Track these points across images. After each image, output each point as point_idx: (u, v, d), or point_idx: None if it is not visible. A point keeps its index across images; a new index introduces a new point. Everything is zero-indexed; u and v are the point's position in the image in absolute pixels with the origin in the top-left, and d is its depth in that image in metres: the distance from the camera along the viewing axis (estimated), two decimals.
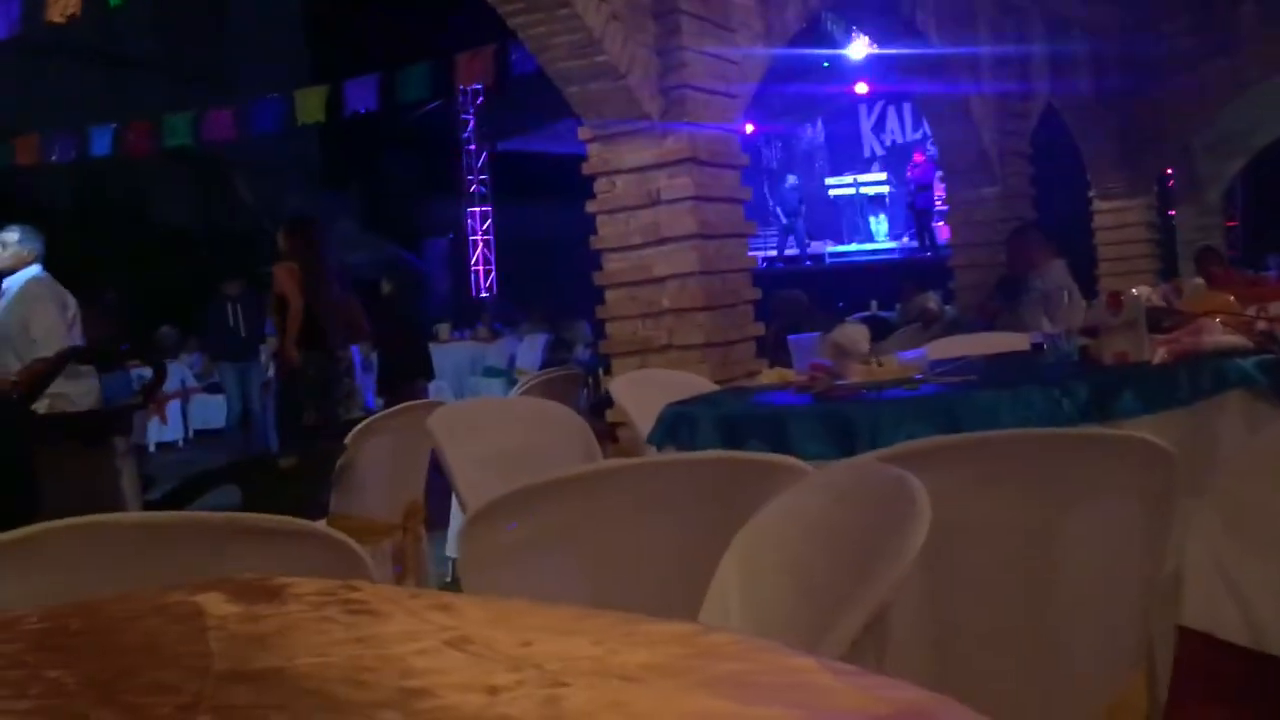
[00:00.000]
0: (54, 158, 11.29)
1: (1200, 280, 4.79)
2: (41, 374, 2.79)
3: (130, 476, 2.81)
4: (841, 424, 2.19)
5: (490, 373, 11.84)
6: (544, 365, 10.35)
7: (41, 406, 2.86)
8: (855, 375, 2.52)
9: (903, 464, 1.26)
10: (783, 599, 1.31)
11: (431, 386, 10.02)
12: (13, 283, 4.09)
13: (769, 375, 3.01)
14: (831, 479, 1.38)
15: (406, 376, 8.14)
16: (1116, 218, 10.41)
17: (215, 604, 0.95)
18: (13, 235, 4.13)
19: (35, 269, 4.12)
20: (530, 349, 12.62)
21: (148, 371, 5.54)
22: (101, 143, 11.19)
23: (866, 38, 8.43)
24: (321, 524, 1.44)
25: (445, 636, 0.87)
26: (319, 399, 5.37)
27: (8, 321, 3.89)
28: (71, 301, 4.19)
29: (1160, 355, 2.32)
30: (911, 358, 2.71)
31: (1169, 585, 1.49)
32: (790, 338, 3.11)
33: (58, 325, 3.85)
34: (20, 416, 2.20)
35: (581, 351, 12.32)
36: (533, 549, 1.61)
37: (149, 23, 16.50)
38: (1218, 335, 2.42)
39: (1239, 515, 1.18)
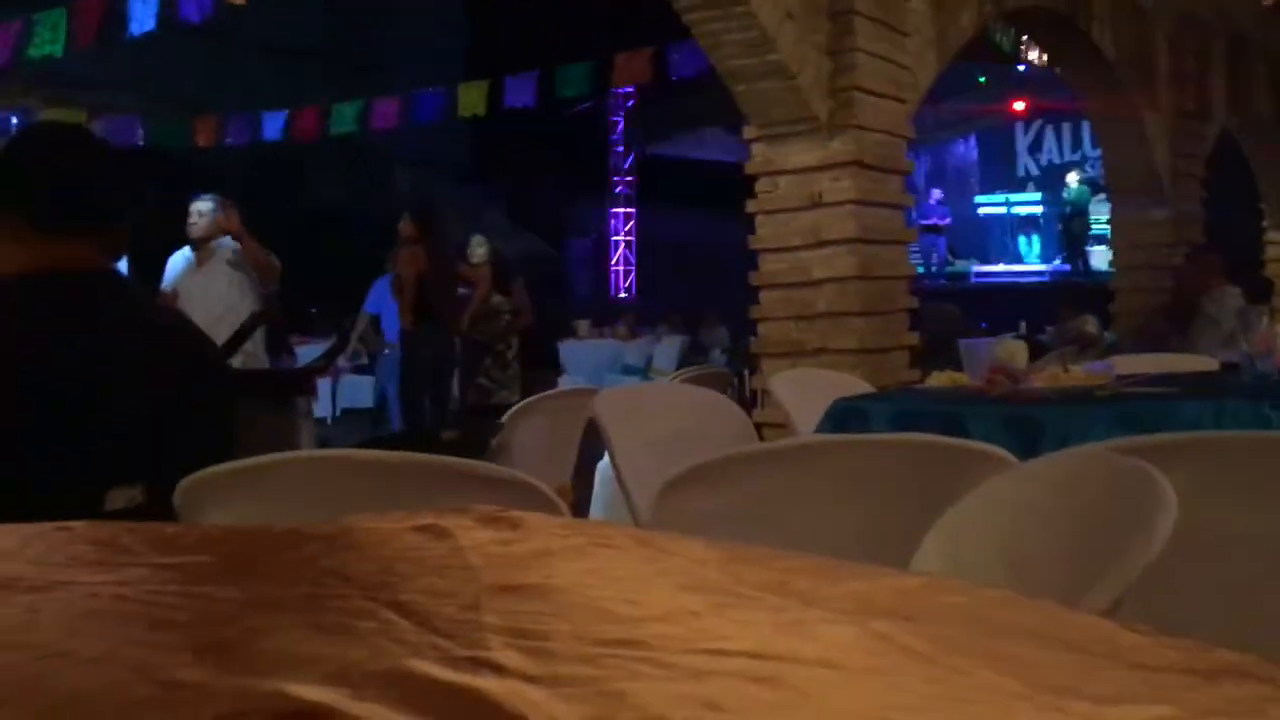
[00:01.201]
0: (229, 140, 11.82)
1: None
2: (239, 332, 2.92)
3: (309, 435, 2.92)
4: (1026, 425, 2.13)
5: (628, 371, 11.92)
6: (679, 367, 10.38)
7: (235, 362, 3.00)
8: (1038, 381, 2.45)
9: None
10: (994, 584, 1.28)
11: (567, 381, 10.15)
12: (213, 249, 4.30)
13: (940, 378, 2.95)
14: (1049, 468, 1.34)
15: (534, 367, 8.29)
16: None
17: (465, 529, 0.98)
18: (208, 204, 4.34)
19: (227, 238, 4.32)
20: (667, 350, 12.68)
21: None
22: (273, 127, 11.66)
23: (1038, 49, 8.20)
24: (528, 477, 1.47)
25: (695, 570, 0.88)
26: (433, 380, 5.53)
27: (206, 285, 4.09)
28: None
29: None
30: (1099, 368, 2.62)
31: None
32: (962, 341, 3.05)
33: (250, 291, 4.05)
34: (225, 370, 2.31)
35: (717, 356, 12.32)
36: (723, 521, 1.61)
37: (318, 14, 17.17)
38: None
39: None
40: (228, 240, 4.25)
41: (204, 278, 4.16)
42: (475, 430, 3.97)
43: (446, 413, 5.23)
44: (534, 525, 1.01)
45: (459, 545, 0.92)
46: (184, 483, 1.38)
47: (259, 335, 3.96)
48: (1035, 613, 0.76)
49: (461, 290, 6.02)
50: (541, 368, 8.74)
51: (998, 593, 0.80)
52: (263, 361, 3.97)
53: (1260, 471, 1.34)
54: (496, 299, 6.23)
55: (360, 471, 1.36)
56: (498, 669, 0.61)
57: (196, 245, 4.39)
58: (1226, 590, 1.34)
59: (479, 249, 6.41)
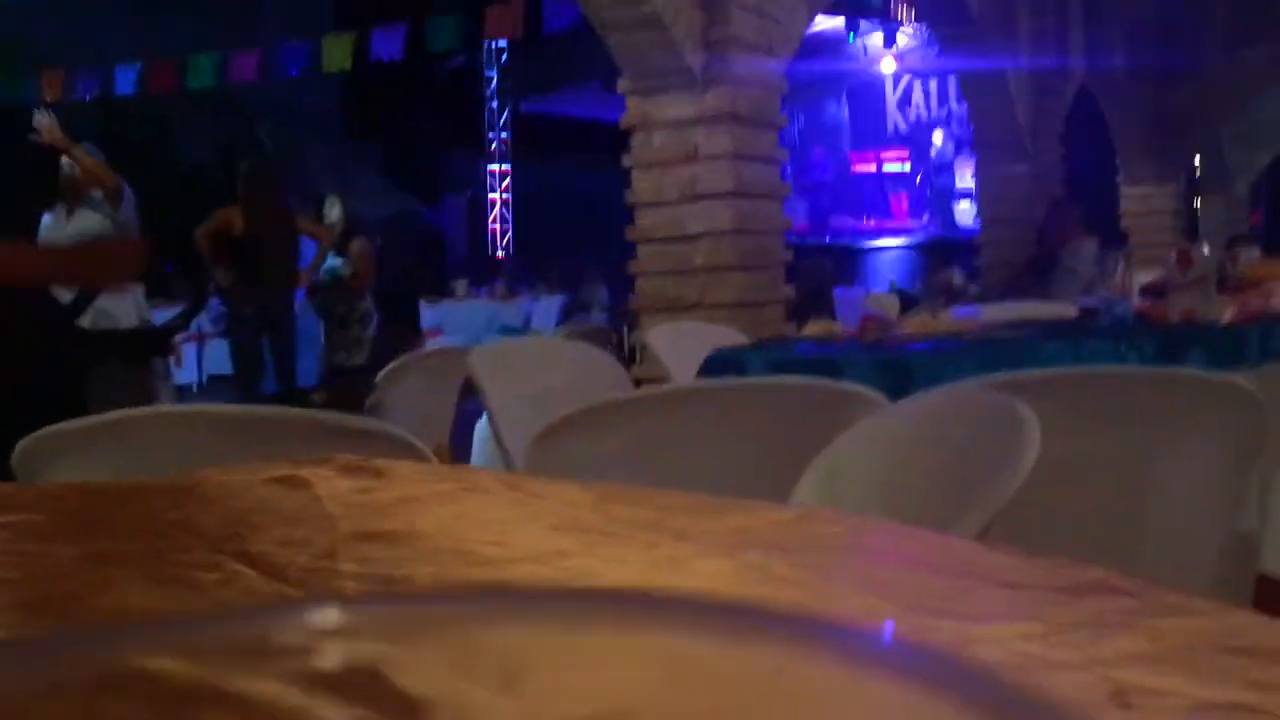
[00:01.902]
0: (79, 94, 11.23)
1: (1257, 250, 4.78)
2: (83, 291, 2.77)
3: (169, 397, 2.79)
4: (898, 368, 2.16)
5: (506, 331, 11.81)
6: (559, 325, 10.32)
7: (85, 322, 2.84)
8: (910, 327, 2.49)
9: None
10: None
11: (444, 341, 9.99)
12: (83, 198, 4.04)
13: (814, 328, 2.98)
14: (921, 406, 1.35)
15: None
16: (1143, 204, 10.34)
17: (324, 479, 0.93)
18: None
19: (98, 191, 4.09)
20: (546, 310, 12.60)
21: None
22: (126, 81, 11.12)
23: (906, 4, 8.34)
24: (395, 428, 1.42)
25: (566, 512, 0.86)
26: (256, 340, 5.36)
27: (75, 237, 3.84)
28: None
29: (1229, 315, 2.29)
30: (966, 314, 2.68)
31: (1249, 534, 1.47)
32: (836, 290, 3.08)
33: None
34: (71, 330, 2.18)
35: (598, 315, 12.29)
36: (599, 470, 1.59)
37: None
38: None
39: None
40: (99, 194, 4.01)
41: (73, 230, 3.92)
42: (348, 390, 3.87)
43: (290, 373, 5.04)
44: (399, 473, 0.98)
45: (317, 495, 0.87)
46: (23, 443, 1.30)
47: (139, 288, 3.75)
48: (908, 538, 0.76)
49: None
50: (403, 329, 8.53)
51: (872, 521, 0.80)
52: (136, 317, 3.73)
53: (1117, 403, 1.38)
54: (333, 261, 6.02)
55: (218, 427, 1.29)
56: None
57: (66, 198, 4.13)
58: (1089, 516, 1.38)
59: (331, 209, 6.23)
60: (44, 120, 4.01)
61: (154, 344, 3.00)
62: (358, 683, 0.27)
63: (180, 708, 0.25)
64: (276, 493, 0.89)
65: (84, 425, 1.36)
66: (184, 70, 10.95)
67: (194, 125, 15.61)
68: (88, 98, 11.35)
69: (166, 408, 1.28)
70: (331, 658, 0.23)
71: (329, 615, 0.18)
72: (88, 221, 3.96)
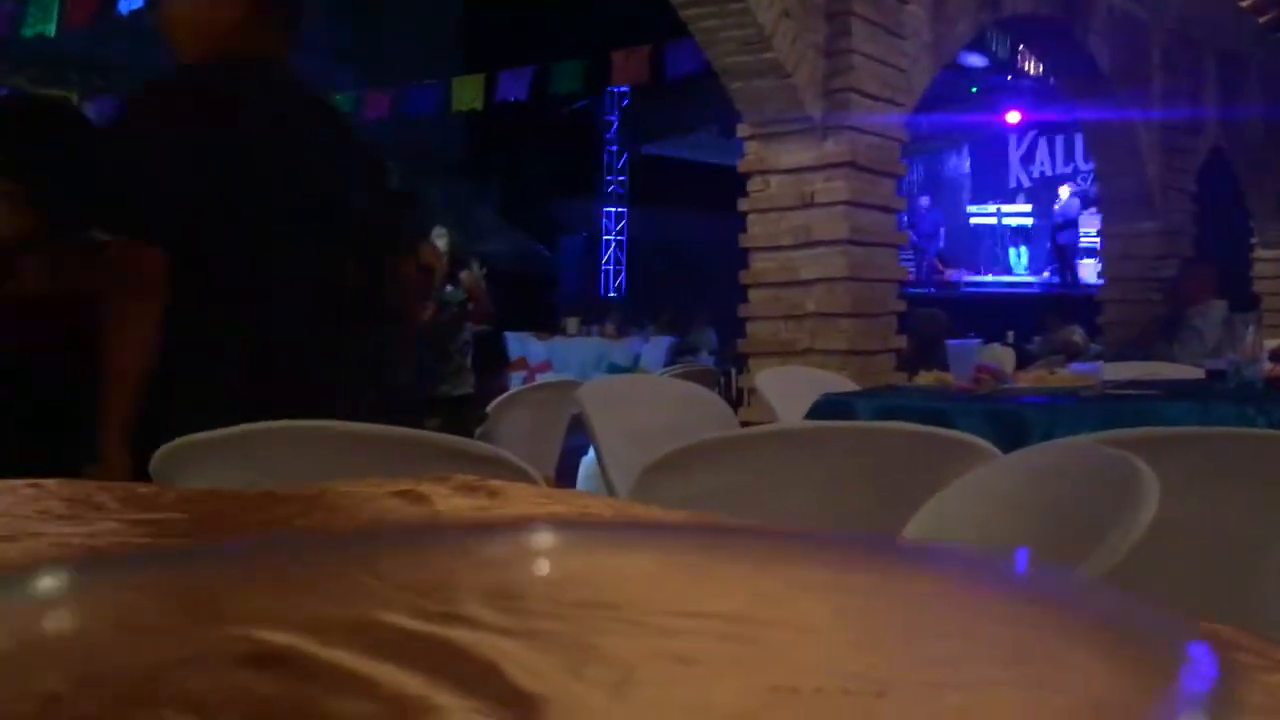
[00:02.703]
0: None
1: None
2: None
3: None
4: (1011, 421, 2.13)
5: (614, 370, 11.89)
6: (666, 367, 10.35)
7: None
8: (1025, 381, 2.45)
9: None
10: None
11: (553, 376, 10.11)
12: None
13: (926, 377, 2.94)
14: (1034, 459, 1.34)
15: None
16: (1278, 267, 9.95)
17: (442, 496, 0.97)
18: None
19: None
20: (655, 350, 12.66)
21: None
22: None
23: (1033, 58, 8.23)
24: (510, 455, 1.46)
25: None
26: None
27: None
28: None
29: None
30: (1086, 370, 2.63)
31: None
32: (950, 342, 3.04)
33: None
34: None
35: (706, 358, 12.31)
36: (704, 504, 1.60)
37: (312, 3, 17.10)
38: None
39: None
40: None
41: None
42: (459, 419, 3.96)
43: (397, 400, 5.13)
44: (512, 494, 1.01)
45: (436, 510, 0.91)
46: (161, 450, 1.37)
47: None
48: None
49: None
50: (491, 361, 8.66)
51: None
52: None
53: (1242, 467, 1.34)
54: (448, 290, 6.11)
55: (341, 444, 1.34)
56: (471, 623, 0.60)
57: None
58: (1206, 582, 1.34)
59: (439, 240, 6.33)
60: None
61: None
62: (476, 675, 0.30)
63: (309, 688, 0.28)
64: (398, 506, 0.92)
65: (216, 436, 1.43)
66: None
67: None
68: None
69: (295, 423, 1.34)
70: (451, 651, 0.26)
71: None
72: None
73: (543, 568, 0.38)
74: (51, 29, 7.82)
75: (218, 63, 1.65)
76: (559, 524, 0.37)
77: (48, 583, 0.31)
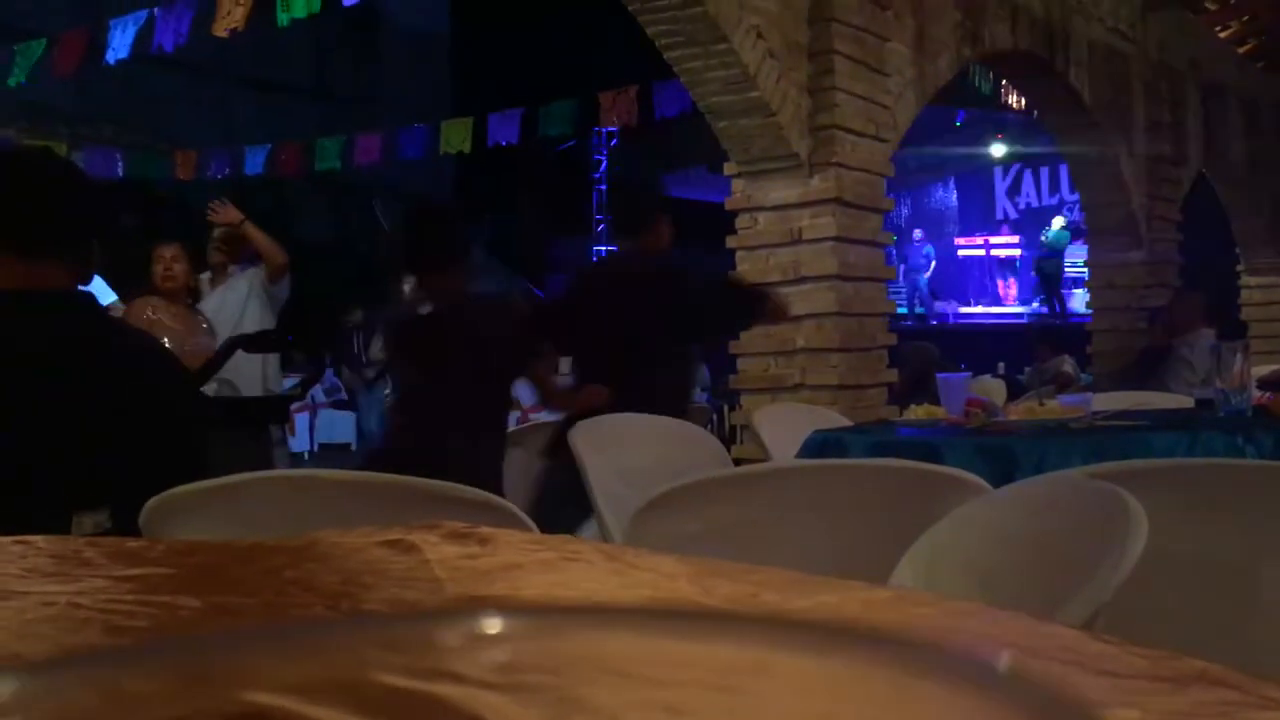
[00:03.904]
0: (210, 174, 11.82)
1: None
2: (211, 360, 2.91)
3: (284, 463, 2.87)
4: (1002, 455, 2.13)
5: None
6: None
7: (209, 390, 2.98)
8: (1015, 414, 2.46)
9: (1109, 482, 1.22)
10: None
11: (545, 416, 10.09)
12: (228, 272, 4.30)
13: (917, 411, 2.95)
14: (1024, 493, 1.34)
15: None
16: (1265, 294, 10.01)
17: (432, 544, 0.97)
18: (217, 232, 4.36)
19: (241, 265, 4.34)
20: None
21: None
22: (255, 162, 11.67)
23: (1016, 92, 8.32)
24: (505, 501, 1.46)
25: (664, 584, 0.87)
26: None
27: (219, 308, 4.07)
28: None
29: None
30: (1074, 402, 2.63)
31: None
32: (940, 376, 3.05)
33: (266, 314, 4.05)
34: (196, 394, 2.29)
35: (698, 394, 12.30)
36: (699, 543, 1.60)
37: (305, 51, 17.24)
38: None
39: None
40: (244, 268, 4.24)
41: (218, 299, 4.14)
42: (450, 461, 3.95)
43: None
44: (502, 540, 1.00)
45: (425, 559, 0.91)
46: (150, 503, 1.37)
47: (273, 358, 3.91)
48: (1004, 622, 0.76)
49: None
50: None
51: (967, 604, 0.80)
52: (260, 386, 3.89)
53: (1230, 498, 1.34)
54: None
55: (329, 491, 1.34)
56: (456, 677, 0.60)
57: (213, 270, 4.36)
58: (1195, 614, 1.34)
59: (407, 284, 6.24)
60: (219, 203, 4.31)
61: (272, 412, 3.13)
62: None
63: None
64: (387, 555, 0.92)
65: (204, 487, 1.43)
66: (310, 152, 11.44)
67: (314, 204, 16.27)
68: (217, 176, 11.93)
69: (281, 472, 1.34)
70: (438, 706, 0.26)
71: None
72: (236, 290, 4.20)
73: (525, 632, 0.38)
74: (23, 77, 7.90)
75: None
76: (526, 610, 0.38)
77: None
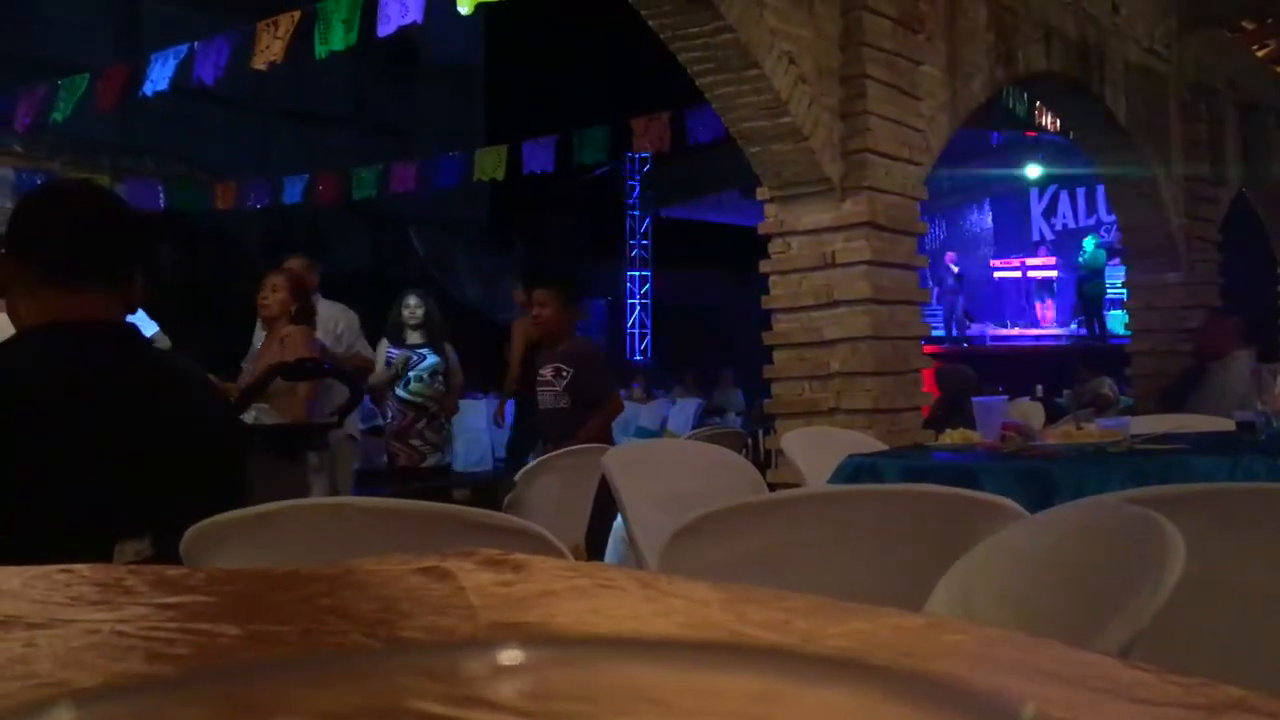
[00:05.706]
0: (249, 204, 11.99)
1: None
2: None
3: (320, 490, 2.91)
4: (1039, 480, 2.12)
5: (642, 433, 11.88)
6: (694, 429, 10.34)
7: (249, 417, 3.02)
8: (1052, 438, 2.44)
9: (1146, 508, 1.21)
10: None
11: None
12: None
13: (952, 436, 2.93)
14: (1060, 519, 1.33)
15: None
16: None
17: (467, 571, 0.98)
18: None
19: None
20: (682, 413, 12.66)
21: None
22: (293, 191, 11.82)
23: (1051, 113, 8.28)
24: (539, 527, 1.46)
25: (697, 610, 0.88)
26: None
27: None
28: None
29: None
30: (1113, 425, 2.61)
31: None
32: (976, 400, 3.03)
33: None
34: (236, 422, 2.32)
35: (733, 419, 12.30)
36: (732, 571, 1.60)
37: (342, 81, 17.48)
38: None
39: None
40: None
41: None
42: (487, 488, 3.97)
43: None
44: (537, 567, 1.01)
45: (460, 586, 0.91)
46: (191, 531, 1.39)
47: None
48: (1037, 650, 0.75)
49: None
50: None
51: (1000, 632, 0.79)
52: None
53: (1272, 523, 1.33)
54: (439, 361, 6.00)
55: (367, 519, 1.36)
56: (491, 705, 0.60)
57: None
58: (1234, 641, 1.32)
59: (417, 309, 6.11)
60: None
61: (309, 438, 3.16)
62: None
63: None
64: (423, 582, 0.93)
65: (244, 515, 1.45)
66: (348, 181, 11.58)
67: (351, 231, 16.45)
68: (257, 206, 12.09)
69: (320, 500, 1.35)
70: None
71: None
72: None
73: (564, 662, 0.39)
74: (68, 112, 8.10)
75: None
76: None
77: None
